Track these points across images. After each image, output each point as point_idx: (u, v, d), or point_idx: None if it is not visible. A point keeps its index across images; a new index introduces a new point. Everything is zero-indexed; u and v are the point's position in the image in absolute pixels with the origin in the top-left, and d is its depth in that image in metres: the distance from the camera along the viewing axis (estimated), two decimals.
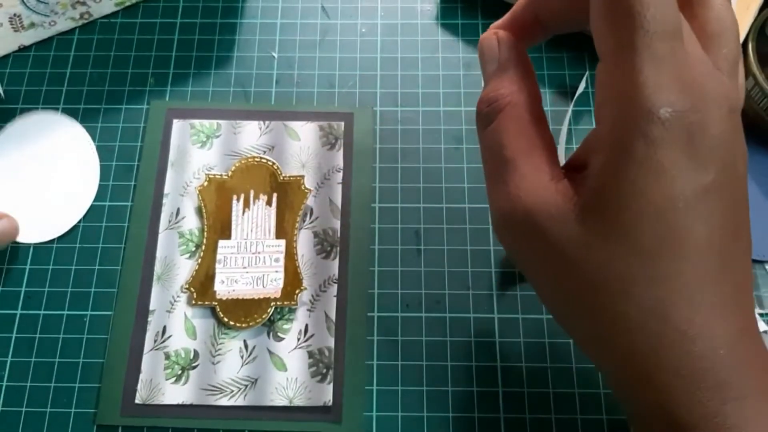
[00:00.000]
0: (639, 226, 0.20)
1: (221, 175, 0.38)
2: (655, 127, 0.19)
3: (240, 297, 0.35)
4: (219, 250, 0.36)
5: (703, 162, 0.20)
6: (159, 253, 0.36)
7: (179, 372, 0.34)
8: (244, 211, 0.37)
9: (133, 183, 0.38)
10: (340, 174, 0.38)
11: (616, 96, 0.20)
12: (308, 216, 0.37)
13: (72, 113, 0.40)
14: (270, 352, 0.34)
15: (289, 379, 0.33)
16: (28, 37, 0.41)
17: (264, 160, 0.38)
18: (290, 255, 0.36)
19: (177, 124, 0.39)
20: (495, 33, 0.25)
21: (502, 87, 0.24)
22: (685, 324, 0.20)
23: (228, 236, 0.36)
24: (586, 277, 0.21)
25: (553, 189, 0.22)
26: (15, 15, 0.39)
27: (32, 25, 0.40)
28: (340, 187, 0.38)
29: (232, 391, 0.33)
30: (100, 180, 0.38)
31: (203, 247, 0.36)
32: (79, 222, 0.37)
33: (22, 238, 0.37)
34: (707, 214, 0.20)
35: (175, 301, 0.35)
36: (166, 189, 0.38)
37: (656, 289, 0.20)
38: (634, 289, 0.20)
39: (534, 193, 0.22)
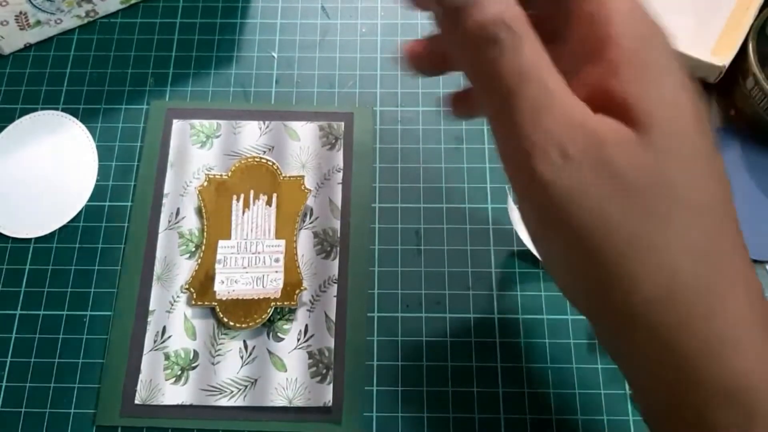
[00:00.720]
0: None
1: (221, 175, 0.38)
2: None
3: (240, 297, 0.35)
4: (219, 251, 0.36)
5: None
6: (159, 253, 0.36)
7: (179, 372, 0.34)
8: (243, 211, 0.37)
9: (132, 183, 0.38)
10: (340, 174, 0.38)
11: None
12: (308, 216, 0.37)
13: (72, 113, 0.40)
14: (270, 352, 0.34)
15: (289, 379, 0.33)
16: (34, 36, 0.41)
17: (264, 160, 0.38)
18: (290, 255, 0.36)
19: (177, 124, 0.39)
20: None
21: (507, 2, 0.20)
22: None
23: (228, 236, 0.36)
24: (652, 209, 0.20)
25: (606, 123, 0.20)
26: (21, 13, 0.39)
27: (38, 23, 0.40)
28: (340, 187, 0.38)
29: (232, 391, 0.33)
30: (100, 180, 0.38)
31: (203, 247, 0.36)
32: (79, 222, 0.37)
33: (21, 234, 0.37)
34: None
35: (174, 301, 0.35)
36: (166, 189, 0.38)
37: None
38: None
39: (595, 119, 0.20)
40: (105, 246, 0.37)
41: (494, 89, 0.20)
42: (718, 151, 0.21)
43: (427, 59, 0.26)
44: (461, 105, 0.27)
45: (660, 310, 0.21)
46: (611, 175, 0.20)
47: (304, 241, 0.36)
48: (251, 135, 0.39)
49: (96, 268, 0.36)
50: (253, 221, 0.36)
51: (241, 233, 0.36)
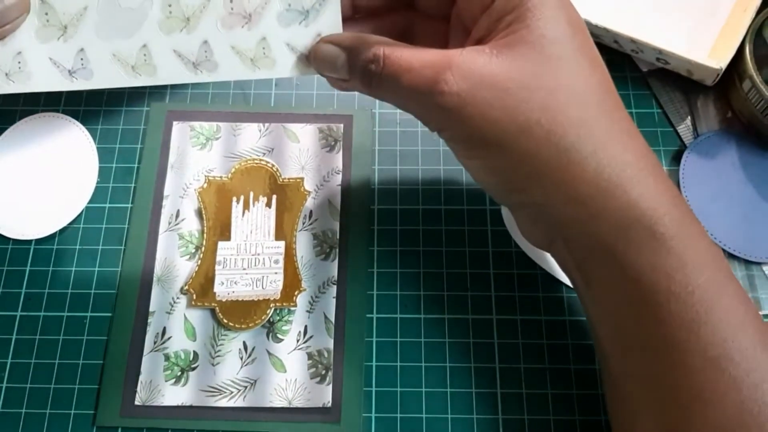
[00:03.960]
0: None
1: (221, 177, 0.38)
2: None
3: (239, 298, 0.35)
4: (219, 252, 0.36)
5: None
6: (159, 254, 0.36)
7: (179, 373, 0.34)
8: (243, 213, 0.37)
9: (133, 185, 0.38)
10: (340, 176, 0.38)
11: None
12: (307, 218, 0.37)
13: (72, 115, 0.40)
14: (269, 353, 0.34)
15: (289, 380, 0.33)
16: None
17: (263, 162, 0.38)
18: (289, 256, 0.36)
19: (177, 126, 0.39)
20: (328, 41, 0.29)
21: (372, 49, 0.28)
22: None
23: (228, 238, 0.36)
24: (527, 99, 0.26)
25: (465, 51, 0.27)
26: None
27: None
28: (339, 189, 0.38)
29: (232, 392, 0.33)
30: (100, 182, 0.38)
31: (203, 248, 0.36)
32: (79, 224, 0.37)
33: (21, 235, 0.37)
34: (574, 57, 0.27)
35: (174, 302, 0.35)
36: (166, 191, 0.38)
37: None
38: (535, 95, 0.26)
39: (457, 58, 0.26)
40: (105, 247, 0.37)
41: (392, 96, 0.28)
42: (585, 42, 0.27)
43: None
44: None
45: (553, 166, 0.26)
46: (489, 87, 0.26)
47: (304, 243, 0.36)
48: (251, 137, 0.39)
49: (96, 269, 0.36)
50: (253, 223, 0.37)
51: (241, 235, 0.36)
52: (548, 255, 0.35)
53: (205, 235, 0.36)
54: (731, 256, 0.36)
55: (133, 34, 0.30)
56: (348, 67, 0.28)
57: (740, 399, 0.24)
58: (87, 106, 0.40)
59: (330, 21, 0.30)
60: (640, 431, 0.27)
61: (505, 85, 0.26)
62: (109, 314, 0.35)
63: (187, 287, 0.35)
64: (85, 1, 0.30)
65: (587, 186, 0.26)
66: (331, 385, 0.33)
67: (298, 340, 0.34)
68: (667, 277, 0.25)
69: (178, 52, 0.30)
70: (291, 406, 0.33)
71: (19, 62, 0.30)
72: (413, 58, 0.27)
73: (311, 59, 0.30)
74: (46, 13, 0.30)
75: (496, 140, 0.26)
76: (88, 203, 0.38)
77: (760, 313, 0.35)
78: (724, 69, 0.37)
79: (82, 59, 0.30)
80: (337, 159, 0.38)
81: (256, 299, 0.35)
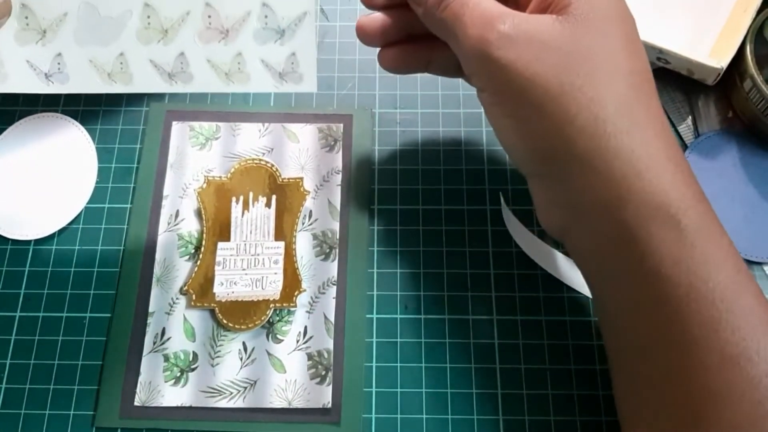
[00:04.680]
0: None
1: (220, 177, 0.38)
2: None
3: (239, 299, 0.35)
4: (218, 252, 0.36)
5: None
6: (158, 255, 0.36)
7: (178, 374, 0.34)
8: (243, 213, 0.37)
9: (132, 185, 0.38)
10: (339, 176, 0.38)
11: None
12: (307, 218, 0.37)
13: (71, 115, 0.40)
14: (269, 353, 0.34)
15: (288, 380, 0.33)
16: None
17: (263, 162, 0.38)
18: (289, 257, 0.36)
19: (176, 126, 0.39)
20: None
21: None
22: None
23: (227, 238, 0.36)
24: (575, 68, 0.27)
25: (527, 14, 0.28)
26: None
27: None
28: (339, 188, 0.38)
29: (231, 393, 0.33)
30: (100, 182, 0.38)
31: (202, 249, 0.36)
32: (79, 224, 0.37)
33: (20, 235, 0.37)
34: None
35: (174, 303, 0.35)
36: (166, 191, 0.38)
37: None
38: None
39: (518, 13, 0.28)
40: (104, 248, 0.37)
41: (452, 25, 0.29)
42: (630, 21, 0.29)
43: (379, 33, 0.33)
44: (395, 58, 0.34)
45: (588, 135, 0.26)
46: (538, 43, 0.27)
47: (304, 243, 0.36)
48: (250, 137, 0.39)
49: (95, 269, 0.36)
50: (253, 223, 0.37)
51: (241, 235, 0.36)
52: (549, 255, 0.35)
53: (204, 235, 0.36)
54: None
55: (111, 42, 0.31)
56: None
57: (757, 399, 0.24)
58: (86, 106, 0.40)
59: (304, 41, 0.31)
60: (652, 431, 0.27)
61: (556, 44, 0.27)
62: (109, 315, 0.35)
63: (186, 288, 0.35)
64: (65, 7, 0.30)
65: (620, 162, 0.26)
66: (331, 386, 0.33)
67: (297, 341, 0.34)
68: (688, 272, 0.25)
69: (155, 62, 0.31)
70: (291, 406, 0.33)
71: None
72: None
73: None
74: (26, 17, 0.30)
75: (536, 96, 0.27)
76: (87, 203, 0.38)
77: None
78: (724, 69, 0.37)
79: (59, 63, 0.31)
80: (337, 159, 0.38)
81: (255, 300, 0.35)
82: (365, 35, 0.33)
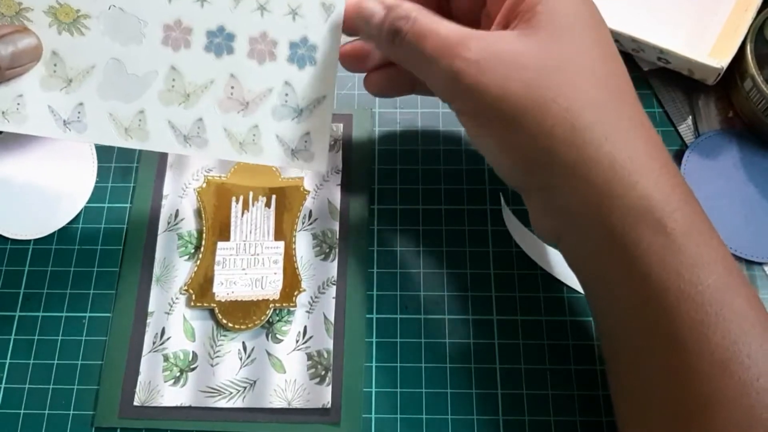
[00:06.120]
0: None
1: (220, 176, 0.38)
2: None
3: (239, 299, 0.35)
4: (218, 252, 0.36)
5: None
6: (158, 254, 0.36)
7: (178, 374, 0.34)
8: (243, 213, 0.37)
9: (132, 184, 0.38)
10: (339, 176, 0.38)
11: None
12: (307, 218, 0.37)
13: None
14: (269, 353, 0.34)
15: (288, 381, 0.33)
16: None
17: None
18: (289, 257, 0.36)
19: None
20: None
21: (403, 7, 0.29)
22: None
23: (227, 238, 0.36)
24: (545, 80, 0.26)
25: (488, 32, 0.28)
26: None
27: None
28: (338, 188, 0.38)
29: (231, 393, 0.33)
30: (99, 181, 0.38)
31: (202, 248, 0.36)
32: (78, 224, 0.37)
33: (20, 235, 0.37)
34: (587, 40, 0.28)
35: (173, 302, 0.35)
36: (165, 190, 0.38)
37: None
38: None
39: (481, 34, 0.28)
40: (104, 247, 0.37)
41: (413, 56, 0.29)
42: (602, 27, 0.28)
43: (362, 60, 0.34)
44: (379, 82, 0.35)
45: (567, 145, 0.26)
46: (506, 63, 0.27)
47: (303, 243, 0.36)
48: None
49: (95, 269, 0.36)
50: (252, 223, 0.36)
51: (240, 235, 0.36)
52: (549, 255, 0.35)
53: (204, 235, 0.36)
54: (732, 256, 0.36)
55: (133, 99, 0.32)
56: (380, 22, 0.29)
57: (749, 404, 0.24)
58: None
59: (320, 123, 0.32)
60: None
61: (525, 61, 0.26)
62: (108, 314, 0.35)
63: (186, 287, 0.35)
64: (94, 60, 0.31)
65: (601, 169, 0.26)
66: (330, 386, 0.33)
67: (297, 341, 0.34)
68: (677, 275, 0.25)
69: (172, 123, 0.32)
70: (290, 406, 0.33)
71: (18, 104, 0.32)
72: (441, 24, 0.28)
73: (353, 15, 0.31)
74: (55, 65, 0.31)
75: (511, 114, 0.27)
76: (87, 203, 0.38)
77: None
78: (725, 68, 0.37)
79: (79, 113, 0.32)
80: (337, 158, 0.38)
81: (255, 299, 0.35)
82: (348, 63, 0.33)
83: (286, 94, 0.32)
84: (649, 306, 0.26)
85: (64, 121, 0.31)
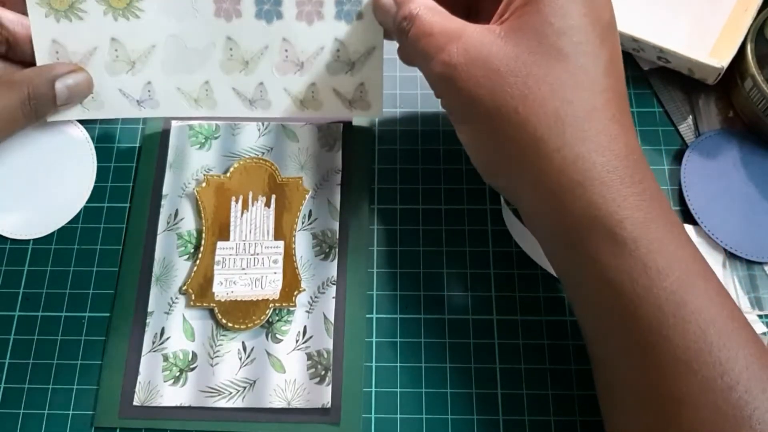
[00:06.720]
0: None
1: (220, 176, 0.38)
2: None
3: (238, 298, 0.35)
4: (217, 252, 0.36)
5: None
6: (157, 254, 0.36)
7: (177, 374, 0.34)
8: (242, 213, 0.37)
9: (131, 184, 0.38)
10: (339, 175, 0.38)
11: None
12: (307, 217, 0.37)
13: None
14: (268, 353, 0.34)
15: (288, 380, 0.33)
16: None
17: (263, 162, 0.38)
18: (289, 256, 0.36)
19: (176, 125, 0.39)
20: None
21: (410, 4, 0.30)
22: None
23: (227, 238, 0.36)
24: (516, 84, 0.27)
25: (479, 28, 0.28)
26: None
27: None
28: (338, 188, 0.38)
29: (231, 392, 0.33)
30: (99, 181, 0.38)
31: (202, 248, 0.36)
32: (78, 223, 0.37)
33: (19, 234, 0.37)
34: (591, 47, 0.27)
35: (173, 302, 0.35)
36: (165, 190, 0.38)
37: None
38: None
39: (469, 33, 0.28)
40: (103, 247, 0.37)
41: (414, 54, 0.30)
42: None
43: None
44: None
45: (525, 155, 0.27)
46: (481, 64, 0.27)
47: (303, 243, 0.36)
48: (250, 136, 0.39)
49: (94, 269, 0.36)
50: (252, 222, 0.36)
51: (240, 234, 0.36)
52: None
53: (203, 234, 0.36)
54: (732, 256, 0.36)
55: (196, 70, 0.34)
56: (393, 19, 0.31)
57: (714, 401, 0.24)
58: None
59: (372, 72, 0.35)
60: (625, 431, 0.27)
61: (497, 66, 0.27)
62: (108, 314, 0.35)
63: (185, 287, 0.35)
64: (152, 40, 0.33)
65: (550, 180, 0.27)
66: (330, 386, 0.33)
67: (297, 341, 0.34)
68: (631, 280, 0.25)
69: (237, 90, 0.34)
70: (290, 406, 0.33)
71: (92, 93, 0.34)
72: (436, 24, 0.29)
73: (373, 8, 0.33)
74: (116, 50, 0.33)
75: (481, 118, 0.28)
76: (87, 203, 0.38)
77: (762, 312, 0.35)
78: (725, 68, 0.37)
79: (149, 91, 0.34)
80: (337, 158, 0.38)
81: (255, 299, 0.35)
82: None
83: (338, 50, 0.33)
84: (612, 309, 0.26)
85: (138, 101, 0.34)
